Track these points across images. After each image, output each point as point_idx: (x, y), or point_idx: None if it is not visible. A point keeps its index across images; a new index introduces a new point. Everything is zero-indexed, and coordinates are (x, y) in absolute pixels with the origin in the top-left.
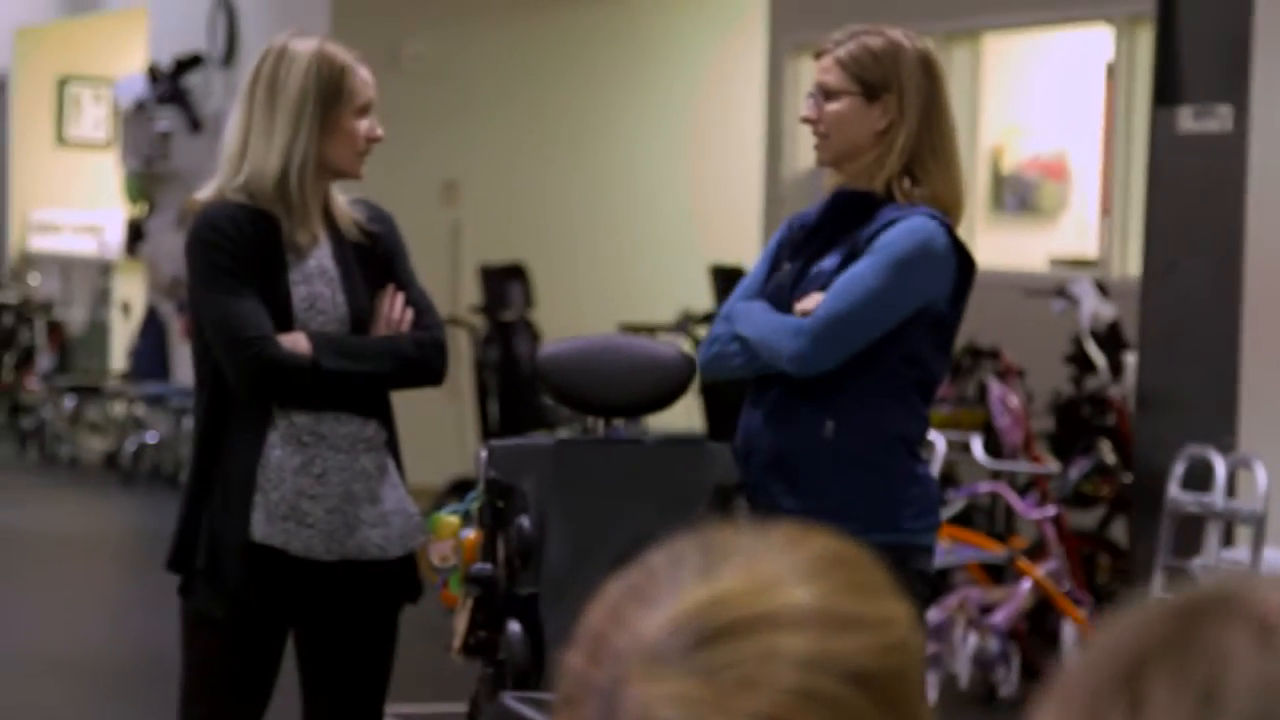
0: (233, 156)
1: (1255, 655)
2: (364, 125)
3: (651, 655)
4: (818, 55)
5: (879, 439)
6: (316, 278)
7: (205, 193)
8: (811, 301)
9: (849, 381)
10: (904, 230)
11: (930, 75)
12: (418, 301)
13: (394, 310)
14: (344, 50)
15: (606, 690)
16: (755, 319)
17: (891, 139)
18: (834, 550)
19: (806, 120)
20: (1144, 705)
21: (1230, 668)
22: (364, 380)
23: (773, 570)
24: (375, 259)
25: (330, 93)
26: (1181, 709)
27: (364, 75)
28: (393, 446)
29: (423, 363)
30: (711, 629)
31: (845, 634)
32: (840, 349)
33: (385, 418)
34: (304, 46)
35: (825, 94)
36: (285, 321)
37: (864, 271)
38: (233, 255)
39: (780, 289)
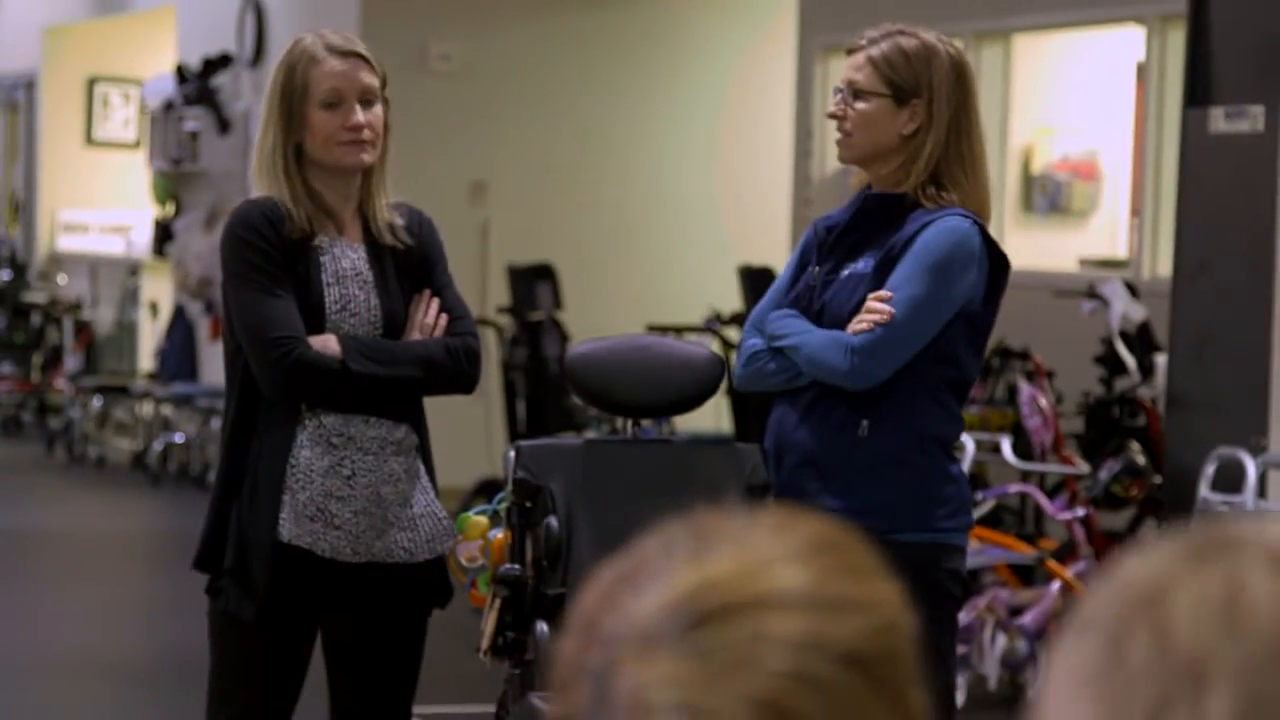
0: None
1: (1268, 578)
2: (334, 117)
3: (644, 638)
4: (850, 51)
5: (913, 438)
6: (350, 279)
7: (254, 195)
8: (868, 319)
9: (884, 381)
10: (939, 233)
11: (962, 82)
12: (452, 307)
13: (427, 315)
14: (329, 39)
15: (599, 673)
16: (798, 332)
17: (918, 145)
18: (824, 533)
19: (833, 116)
20: (1168, 626)
21: (1246, 589)
22: (393, 385)
23: (764, 553)
24: (412, 263)
25: (291, 88)
26: (1204, 627)
27: (329, 66)
28: (424, 451)
29: (454, 369)
30: (703, 612)
31: (837, 616)
32: (892, 362)
33: (417, 422)
34: (298, 42)
35: (855, 92)
36: (317, 322)
37: (904, 280)
38: (264, 253)
39: (808, 291)
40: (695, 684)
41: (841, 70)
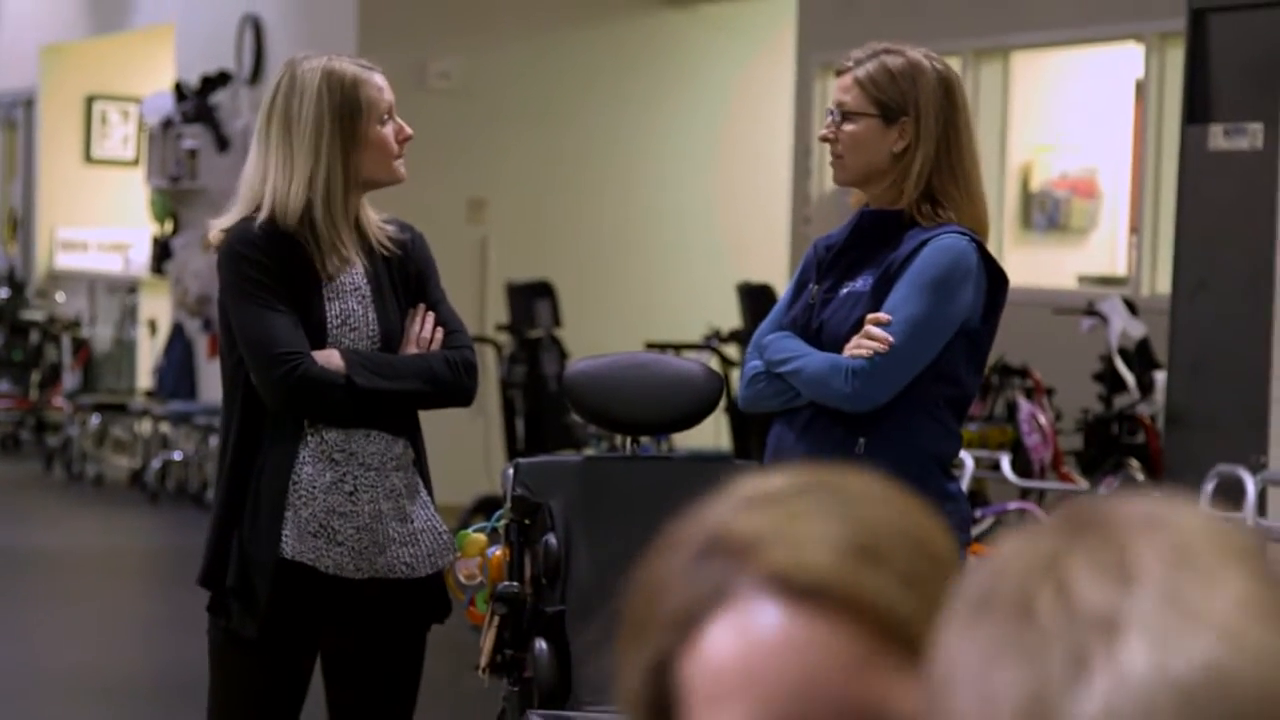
0: (254, 191)
1: (1149, 536)
2: (390, 130)
3: None
4: (838, 73)
5: (911, 456)
6: (349, 294)
7: (226, 220)
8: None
9: None
10: (936, 251)
11: (950, 98)
12: (448, 321)
13: (424, 329)
14: (350, 62)
15: None
16: (796, 355)
17: (908, 163)
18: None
19: (825, 139)
20: (1070, 587)
21: (1131, 548)
22: (396, 399)
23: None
24: (406, 277)
25: (347, 110)
26: (1103, 584)
27: (378, 81)
28: (421, 465)
29: (454, 383)
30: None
31: None
32: (893, 384)
33: (414, 436)
34: (310, 71)
35: (843, 114)
36: (319, 338)
37: (903, 301)
38: (267, 270)
39: (807, 309)
40: None
41: (830, 92)
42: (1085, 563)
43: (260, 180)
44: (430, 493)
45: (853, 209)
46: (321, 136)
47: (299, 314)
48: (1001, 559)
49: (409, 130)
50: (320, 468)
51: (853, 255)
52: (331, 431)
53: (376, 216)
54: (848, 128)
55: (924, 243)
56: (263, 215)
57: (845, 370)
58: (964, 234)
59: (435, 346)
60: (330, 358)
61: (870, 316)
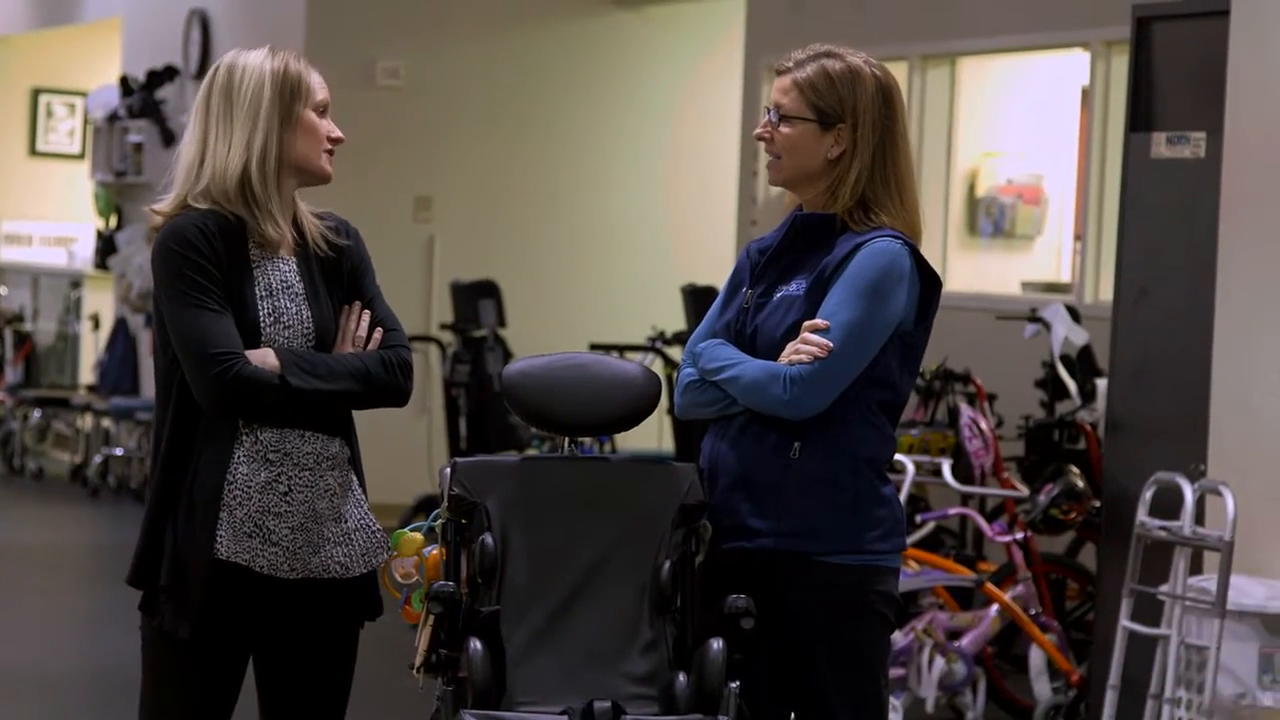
0: (190, 165)
1: None
2: (324, 123)
3: None
4: (778, 73)
5: (845, 460)
6: (281, 292)
7: (164, 204)
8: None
9: None
10: (869, 255)
11: (889, 106)
12: (384, 319)
13: (359, 327)
14: (295, 55)
15: None
16: (731, 363)
17: (844, 169)
18: None
19: (760, 138)
20: None
21: None
22: (331, 399)
23: None
24: (340, 273)
25: (288, 89)
26: None
27: (318, 78)
28: (355, 463)
29: (390, 383)
30: None
31: None
32: (831, 390)
33: (348, 435)
34: (255, 54)
35: (781, 116)
36: (252, 335)
37: (839, 306)
38: (200, 268)
39: (741, 314)
40: None
41: (770, 92)
42: None
43: (197, 154)
44: (364, 491)
45: (786, 211)
46: (260, 106)
47: (232, 311)
48: None
49: (340, 133)
50: (255, 467)
51: (786, 259)
52: (266, 431)
53: (311, 212)
54: (784, 130)
55: (858, 247)
56: (200, 187)
57: (783, 377)
58: (897, 238)
59: (372, 345)
60: (265, 357)
61: (807, 323)
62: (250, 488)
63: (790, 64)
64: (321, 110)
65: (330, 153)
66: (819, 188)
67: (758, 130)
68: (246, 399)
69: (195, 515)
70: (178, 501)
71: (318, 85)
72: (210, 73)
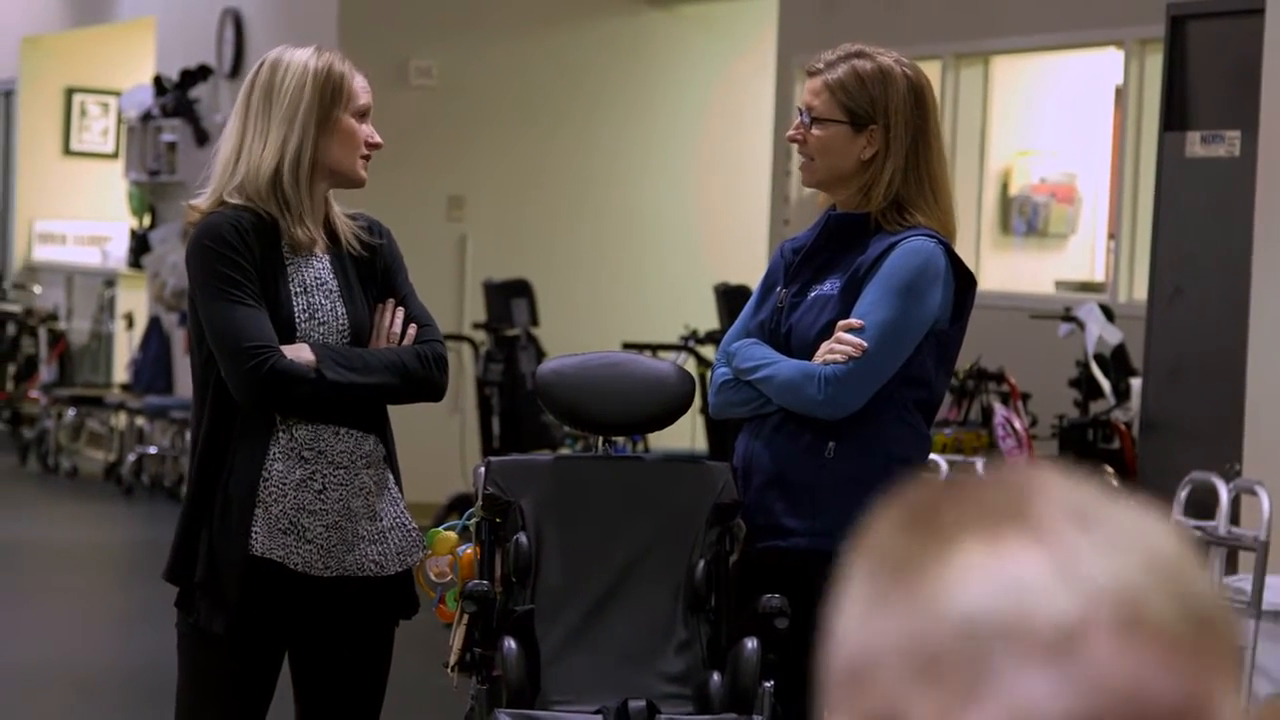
0: (227, 161)
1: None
2: (363, 129)
3: None
4: (809, 74)
5: (880, 459)
6: (315, 289)
7: (202, 200)
8: (840, 350)
9: None
10: (904, 255)
11: (921, 106)
12: (417, 315)
13: (394, 324)
14: (340, 57)
15: None
16: (766, 363)
17: (877, 170)
18: None
19: (793, 139)
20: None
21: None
22: (366, 393)
23: None
24: (374, 272)
25: (328, 92)
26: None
27: (361, 81)
28: (391, 461)
29: (425, 377)
30: None
31: None
32: (866, 390)
33: (383, 432)
34: (300, 53)
35: (813, 119)
36: (287, 333)
37: (873, 305)
38: (235, 264)
39: (775, 313)
40: None
41: (802, 93)
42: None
43: (234, 149)
44: (400, 489)
45: (820, 210)
46: (299, 108)
47: (267, 307)
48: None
49: (379, 139)
50: (290, 465)
51: (820, 258)
52: (301, 429)
53: (344, 213)
54: (816, 132)
55: (892, 246)
56: (235, 183)
57: (818, 377)
58: (931, 236)
59: (406, 341)
60: (300, 351)
61: (842, 323)
62: (285, 485)
63: (821, 65)
64: (362, 115)
65: (367, 158)
66: (852, 188)
67: (790, 132)
68: (281, 392)
69: (231, 512)
70: (213, 498)
71: (360, 89)
72: (254, 68)
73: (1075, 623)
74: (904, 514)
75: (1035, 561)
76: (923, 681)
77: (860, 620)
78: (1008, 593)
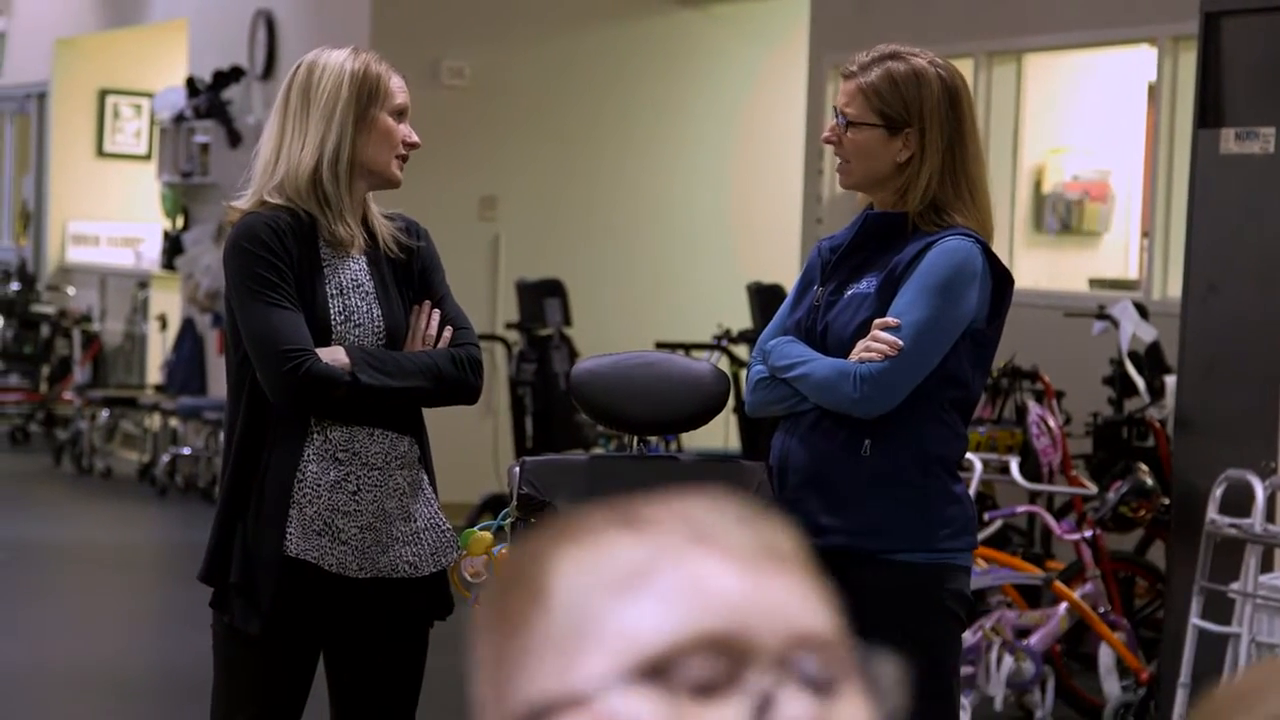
0: (267, 161)
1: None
2: (401, 128)
3: None
4: (844, 76)
5: (916, 458)
6: (352, 291)
7: (242, 201)
8: (876, 349)
9: None
10: (941, 254)
11: (956, 107)
12: (454, 318)
13: (430, 326)
14: (377, 58)
15: None
16: (802, 361)
17: (913, 172)
18: None
19: (828, 141)
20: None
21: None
22: (400, 397)
23: None
24: (411, 273)
25: (365, 91)
26: None
27: (398, 81)
28: (425, 462)
29: (460, 380)
30: None
31: None
32: (903, 389)
33: (418, 433)
34: (337, 53)
35: (848, 122)
36: (323, 335)
37: (909, 304)
38: (271, 265)
39: (812, 311)
40: None
41: (836, 94)
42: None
43: (274, 150)
44: (435, 490)
45: (859, 208)
46: (337, 105)
47: (303, 309)
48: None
49: (417, 138)
50: (324, 466)
51: (857, 257)
52: (336, 430)
53: (382, 213)
54: (851, 135)
55: (929, 245)
56: (274, 183)
57: (854, 376)
58: (969, 236)
59: (441, 343)
60: (335, 354)
61: (878, 321)
62: (319, 486)
63: (855, 68)
64: (399, 114)
65: (403, 158)
66: (889, 190)
67: (825, 134)
68: (316, 395)
69: (265, 513)
70: (248, 499)
71: (397, 89)
72: (293, 70)
73: (650, 556)
74: (508, 571)
75: (630, 545)
76: (536, 660)
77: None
78: (597, 565)
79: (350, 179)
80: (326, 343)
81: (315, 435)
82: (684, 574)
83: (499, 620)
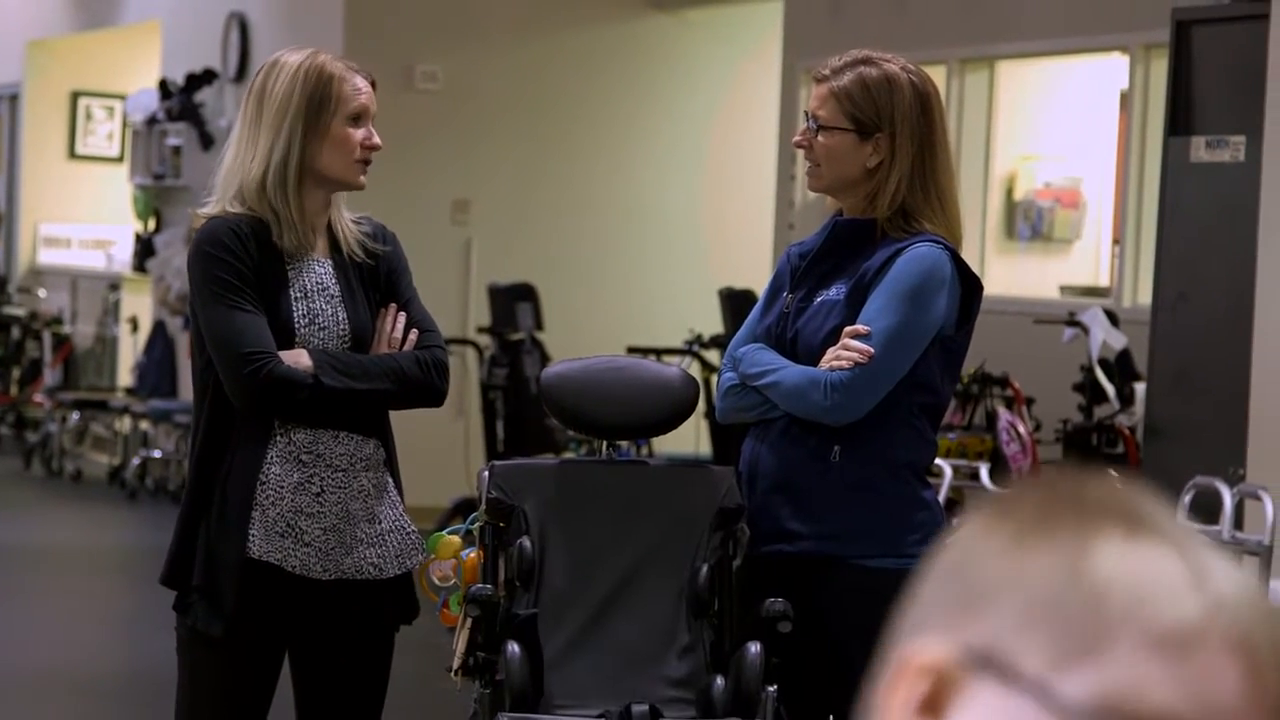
0: (229, 170)
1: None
2: (358, 133)
3: None
4: (816, 80)
5: (885, 464)
6: (317, 294)
7: (208, 208)
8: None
9: None
10: (910, 261)
11: (927, 113)
12: (420, 320)
13: (395, 329)
14: (338, 60)
15: None
16: (772, 369)
17: (883, 177)
18: None
19: (799, 145)
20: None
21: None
22: (364, 399)
23: None
24: (378, 277)
25: (316, 98)
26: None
27: (357, 83)
28: (391, 465)
29: (424, 382)
30: None
31: None
32: (874, 396)
33: (384, 436)
34: (294, 57)
35: (819, 126)
36: (286, 338)
37: (879, 312)
38: (234, 269)
39: (782, 318)
40: None
41: (809, 99)
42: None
43: (234, 157)
44: (400, 493)
45: (827, 214)
46: (285, 116)
47: (266, 313)
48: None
49: (378, 141)
50: (288, 468)
51: (827, 264)
52: (300, 432)
53: (350, 217)
54: (822, 139)
55: (898, 252)
56: (234, 204)
57: (824, 384)
58: (937, 242)
59: (407, 346)
60: (298, 357)
61: (848, 329)
62: (283, 488)
63: (827, 72)
64: (356, 118)
65: (365, 162)
66: (858, 195)
67: (796, 138)
68: (279, 398)
69: (228, 515)
70: (211, 501)
71: (353, 92)
72: (254, 73)
73: (1197, 628)
74: (1047, 492)
75: (1171, 561)
76: (1039, 629)
77: (993, 553)
78: (1143, 579)
79: (300, 187)
80: (290, 346)
81: (279, 437)
82: (1212, 675)
83: (1032, 520)
